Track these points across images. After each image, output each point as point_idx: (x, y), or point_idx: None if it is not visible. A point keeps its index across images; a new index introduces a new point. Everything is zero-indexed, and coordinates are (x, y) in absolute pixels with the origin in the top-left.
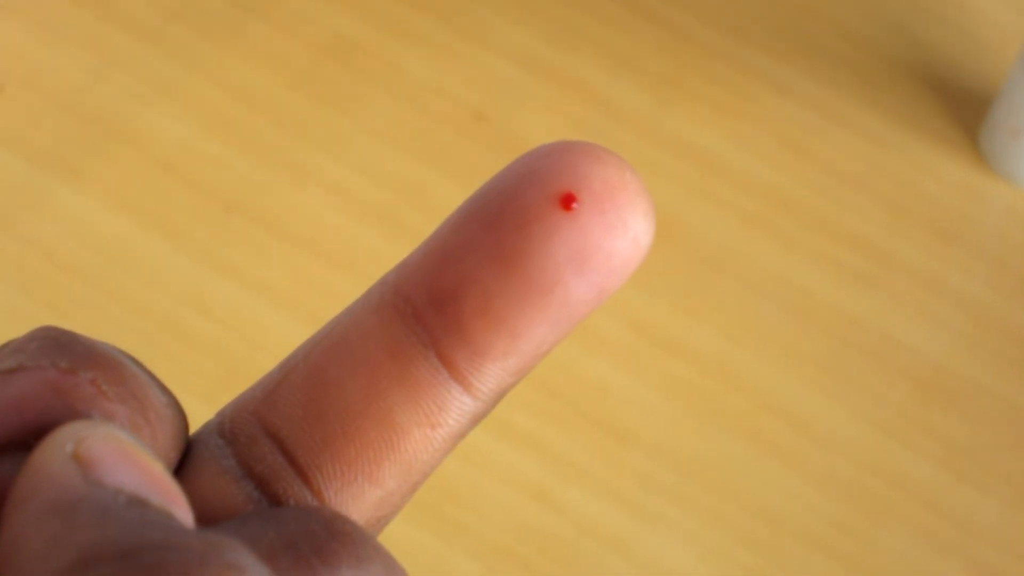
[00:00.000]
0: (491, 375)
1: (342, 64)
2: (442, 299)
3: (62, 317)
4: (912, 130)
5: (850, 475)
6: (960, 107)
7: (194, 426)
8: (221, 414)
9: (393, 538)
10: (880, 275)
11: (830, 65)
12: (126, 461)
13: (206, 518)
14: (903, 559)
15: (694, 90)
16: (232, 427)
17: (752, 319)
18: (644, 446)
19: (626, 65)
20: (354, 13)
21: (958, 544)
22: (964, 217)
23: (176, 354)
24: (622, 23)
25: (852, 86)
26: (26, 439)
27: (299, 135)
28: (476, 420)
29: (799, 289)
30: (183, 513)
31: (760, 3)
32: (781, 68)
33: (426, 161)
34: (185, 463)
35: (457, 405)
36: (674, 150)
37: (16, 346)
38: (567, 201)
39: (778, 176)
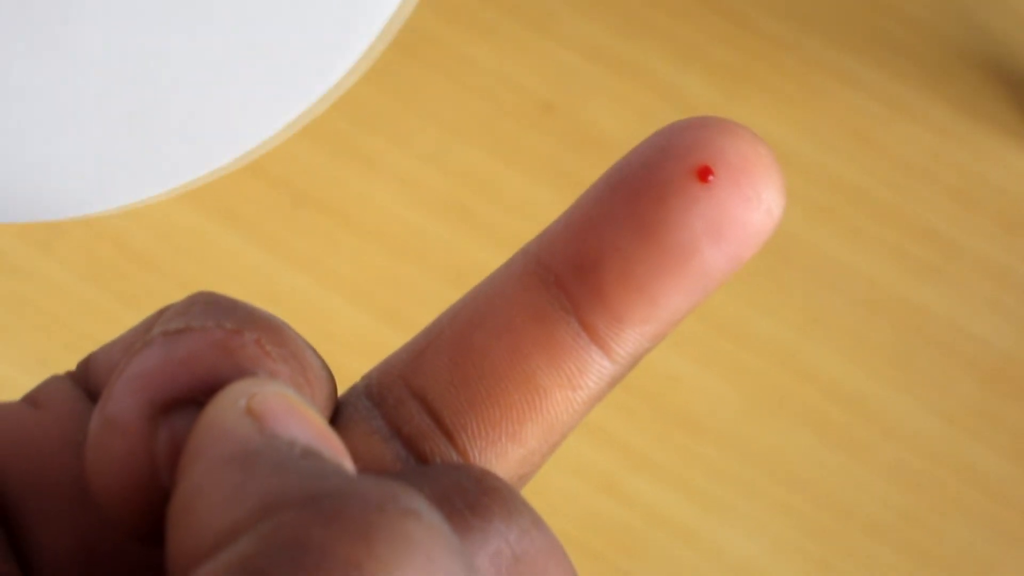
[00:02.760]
0: (629, 340)
1: (410, 55)
2: (584, 267)
3: (133, 308)
4: (978, 120)
5: (918, 466)
6: None
7: None
8: (368, 377)
9: None
10: (947, 266)
11: (896, 55)
12: (296, 416)
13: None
14: (971, 550)
15: (761, 81)
16: (379, 390)
17: (819, 310)
18: (713, 437)
19: (693, 56)
20: (423, 4)
21: None
22: None
23: None
24: (689, 14)
25: (918, 76)
26: (196, 396)
27: (367, 126)
28: (614, 383)
29: (866, 280)
30: (349, 466)
31: None
32: (847, 59)
33: (493, 152)
34: (335, 424)
35: (597, 368)
36: None
37: (178, 309)
38: (704, 174)
39: (844, 166)
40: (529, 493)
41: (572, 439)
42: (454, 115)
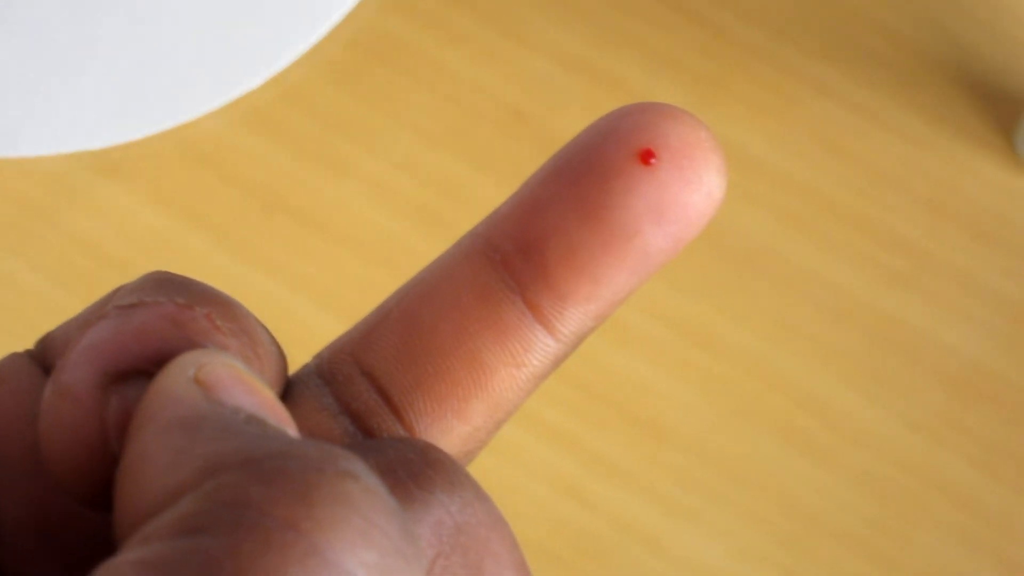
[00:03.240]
0: (573, 319)
1: (383, 61)
2: (529, 247)
3: None
4: (950, 130)
5: (885, 474)
6: (998, 108)
7: None
8: (319, 356)
9: None
10: (917, 274)
11: (869, 65)
12: (242, 386)
13: None
14: (937, 558)
15: (734, 90)
16: (330, 367)
17: (789, 318)
18: (679, 443)
19: (666, 64)
20: (396, 10)
21: (992, 544)
22: (1001, 217)
23: None
24: (663, 22)
25: (891, 86)
26: (147, 367)
27: (340, 132)
28: (557, 362)
29: (836, 288)
30: (293, 433)
31: (800, 3)
32: (821, 68)
33: (465, 159)
34: (286, 400)
35: (541, 347)
36: None
37: (132, 287)
38: (646, 156)
39: (816, 176)
40: (494, 497)
41: (537, 445)
42: (427, 122)
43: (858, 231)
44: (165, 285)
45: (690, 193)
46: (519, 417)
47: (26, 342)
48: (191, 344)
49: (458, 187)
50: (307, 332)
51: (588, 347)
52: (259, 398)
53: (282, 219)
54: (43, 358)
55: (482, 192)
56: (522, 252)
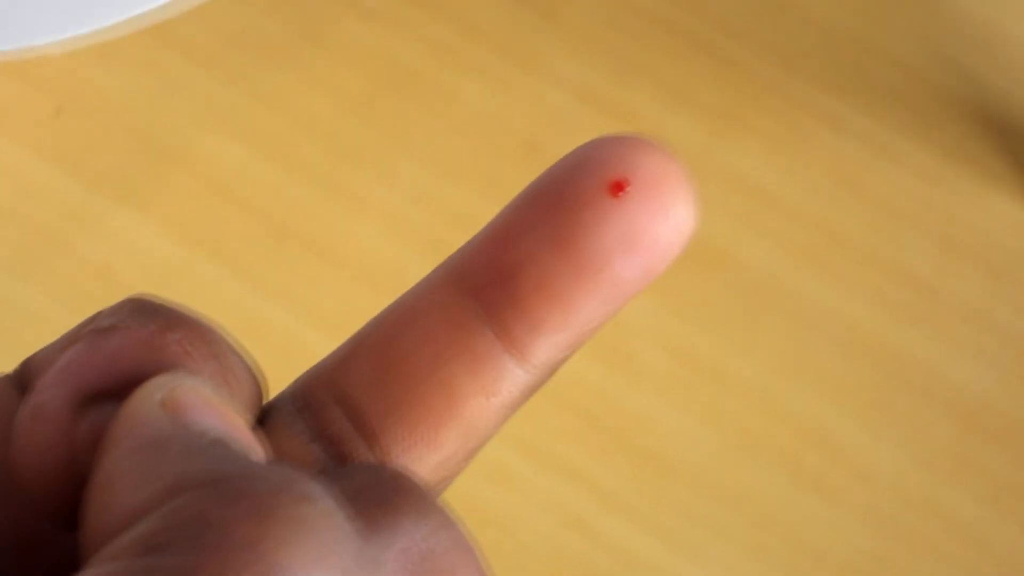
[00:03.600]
0: (544, 348)
1: (399, 93)
2: (502, 276)
3: None
4: (964, 166)
5: (892, 510)
6: (1013, 144)
7: None
8: (295, 383)
9: None
10: (928, 310)
11: (883, 100)
12: (210, 410)
13: None
14: None
15: (747, 123)
16: (305, 394)
17: (798, 353)
18: (685, 477)
19: (679, 97)
20: (411, 41)
21: None
22: (1015, 254)
23: None
24: (676, 55)
25: (905, 121)
26: (120, 390)
27: (354, 163)
28: (529, 392)
29: (846, 323)
30: (260, 458)
31: (814, 37)
32: (834, 102)
33: (478, 191)
34: (260, 426)
35: (512, 376)
36: (725, 182)
37: (109, 311)
38: (617, 188)
39: (828, 210)
40: (498, 530)
41: (542, 477)
42: (440, 153)
43: (869, 266)
44: (142, 310)
45: (659, 224)
46: (524, 448)
47: None
48: (164, 368)
49: (471, 219)
50: (315, 360)
51: (594, 378)
52: (226, 422)
53: (294, 248)
54: (22, 381)
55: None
56: (495, 281)
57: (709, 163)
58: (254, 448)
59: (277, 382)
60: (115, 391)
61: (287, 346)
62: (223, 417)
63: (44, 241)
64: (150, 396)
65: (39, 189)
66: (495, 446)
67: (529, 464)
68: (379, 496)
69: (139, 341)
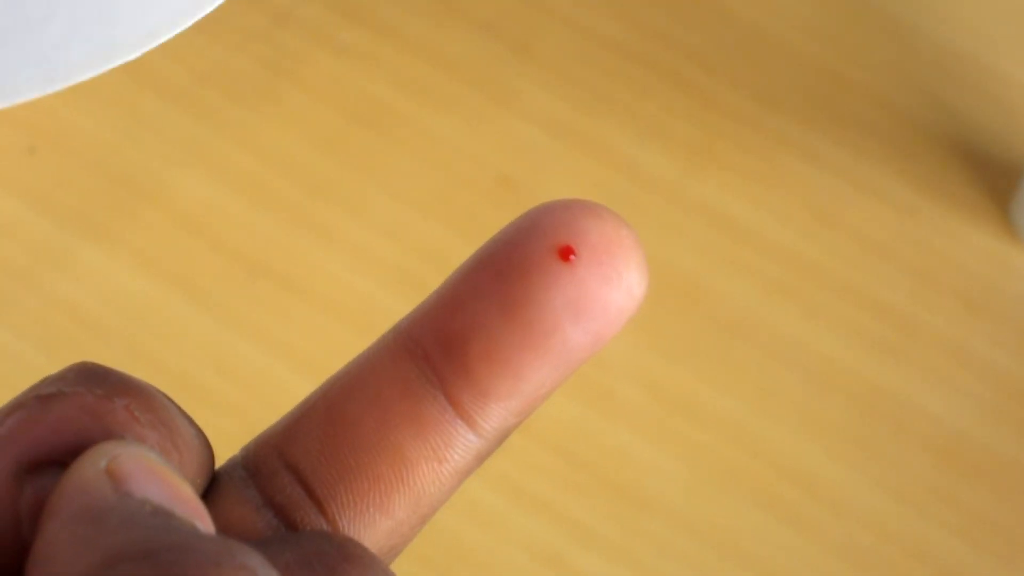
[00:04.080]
0: (495, 415)
1: (369, 127)
2: (450, 342)
3: None
4: (942, 199)
5: (869, 544)
6: (991, 177)
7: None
8: (245, 449)
9: None
10: (905, 344)
11: (860, 133)
12: (154, 478)
13: None
14: None
15: (721, 157)
16: (255, 460)
17: (774, 387)
18: (660, 512)
19: (653, 131)
20: (383, 77)
21: None
22: (992, 287)
23: (197, 415)
24: (650, 89)
25: (882, 154)
26: (63, 458)
27: (325, 197)
28: (481, 458)
29: (822, 357)
30: (206, 527)
31: (790, 70)
32: (810, 136)
33: (450, 225)
34: (210, 492)
35: (462, 442)
36: (700, 216)
37: (55, 377)
38: (565, 253)
39: (804, 244)
40: (474, 567)
41: (518, 514)
42: (412, 188)
43: (845, 300)
44: (87, 376)
45: (609, 290)
46: (499, 483)
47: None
48: (108, 435)
49: (442, 253)
50: (287, 397)
51: (570, 414)
52: (170, 490)
53: (266, 285)
54: None
55: (466, 258)
56: (443, 347)
57: (684, 197)
58: (200, 516)
59: (248, 416)
60: (59, 458)
61: (258, 381)
62: (168, 485)
63: (14, 278)
64: (93, 463)
65: (10, 226)
66: (471, 483)
67: (505, 500)
68: (327, 563)
69: (83, 407)
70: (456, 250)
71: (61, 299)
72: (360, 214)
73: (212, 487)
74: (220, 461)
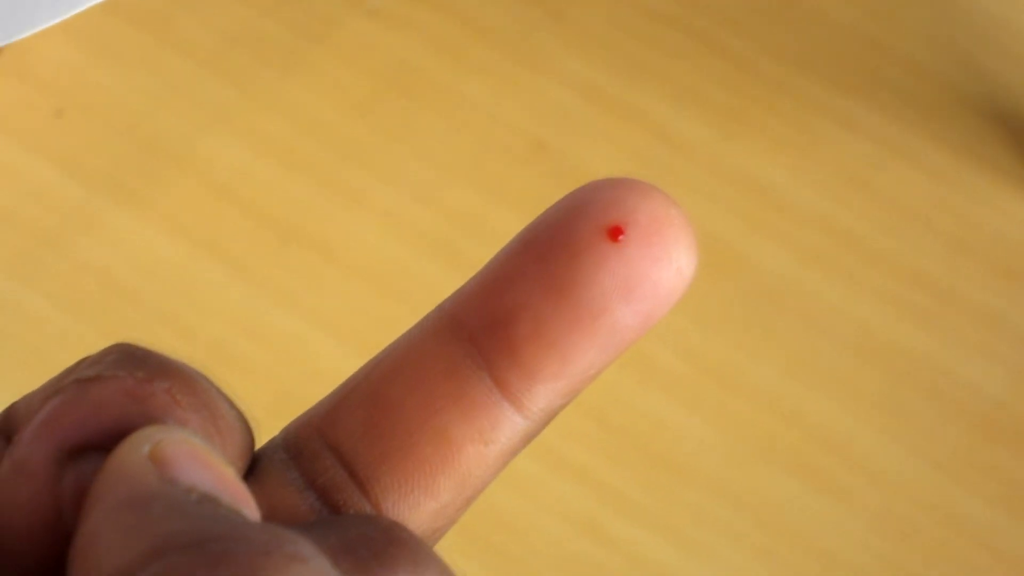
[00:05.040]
0: (541, 396)
1: (402, 92)
2: (496, 324)
3: (114, 341)
4: (977, 166)
5: (905, 513)
6: None
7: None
8: (286, 430)
9: None
10: (940, 311)
11: (895, 99)
12: (199, 463)
13: None
14: None
15: (757, 123)
16: (296, 442)
17: (810, 355)
18: (697, 481)
19: (689, 97)
20: (415, 41)
21: None
22: None
23: (228, 381)
24: (686, 55)
25: (917, 121)
26: (104, 442)
27: (357, 163)
28: (527, 439)
29: (858, 325)
30: (251, 513)
31: (825, 37)
32: (845, 102)
33: (484, 190)
34: (251, 475)
35: (509, 424)
36: (735, 183)
37: (93, 359)
38: (615, 233)
39: (840, 211)
40: (510, 534)
41: (554, 481)
42: (445, 153)
43: (880, 267)
44: (126, 358)
45: (659, 270)
46: (536, 451)
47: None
48: (149, 419)
49: (476, 219)
50: (320, 362)
51: (606, 383)
52: (216, 475)
53: (297, 250)
54: (6, 428)
55: (500, 224)
56: (489, 328)
57: (718, 163)
58: (246, 502)
59: (280, 382)
60: (99, 444)
61: (290, 346)
62: (213, 471)
63: (45, 243)
64: (136, 449)
65: (40, 191)
66: None
67: (540, 467)
68: (373, 548)
69: (124, 391)
70: (489, 215)
71: (91, 264)
72: (392, 179)
73: (253, 469)
74: (257, 434)
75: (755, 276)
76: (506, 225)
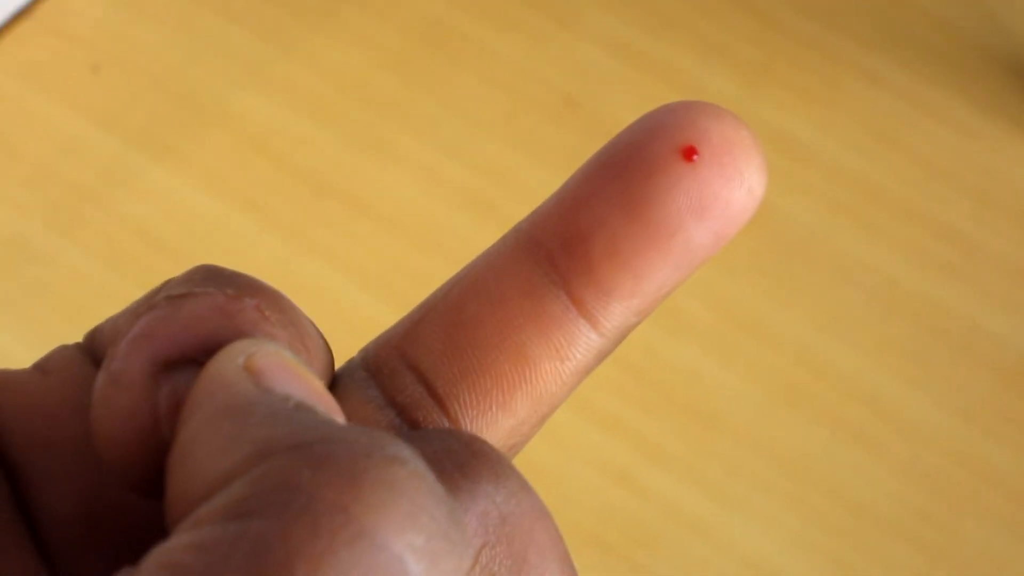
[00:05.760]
0: (616, 313)
1: (434, 47)
2: (572, 242)
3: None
4: (1001, 120)
5: (933, 464)
6: None
7: None
8: (364, 351)
9: None
10: (967, 265)
11: (920, 55)
12: (291, 374)
13: None
14: (985, 548)
15: (784, 78)
16: (375, 361)
17: (839, 307)
18: (729, 431)
19: (717, 52)
20: None
21: None
22: None
23: None
24: (713, 10)
25: (942, 76)
26: (197, 355)
27: (391, 117)
28: (601, 356)
29: (886, 278)
30: (342, 421)
31: None
32: (871, 57)
33: (516, 145)
34: (333, 392)
35: (585, 340)
36: (763, 138)
37: (181, 279)
38: (688, 153)
39: (866, 165)
40: (543, 483)
41: (588, 431)
42: (477, 108)
43: (908, 221)
44: (214, 276)
45: (731, 189)
46: (570, 402)
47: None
48: (240, 334)
49: (507, 173)
50: (355, 315)
51: (639, 334)
52: (307, 386)
53: (332, 204)
54: (91, 350)
55: (531, 178)
56: (566, 248)
57: (746, 118)
58: (336, 412)
59: None
60: (193, 357)
61: (325, 299)
62: (305, 381)
63: (82, 198)
64: (231, 360)
65: (77, 146)
66: None
67: (575, 417)
68: (456, 460)
69: (215, 307)
70: (521, 170)
71: (128, 217)
72: (425, 134)
73: (334, 387)
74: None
75: (784, 229)
76: (537, 179)
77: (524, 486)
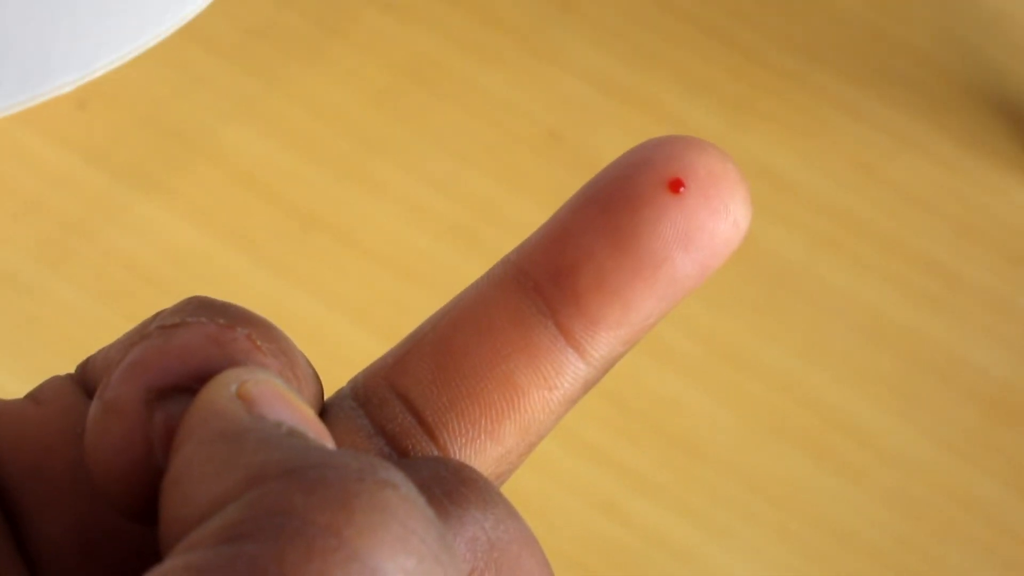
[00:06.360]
0: (604, 343)
1: (419, 82)
2: (560, 273)
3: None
4: (983, 153)
5: (917, 493)
6: None
7: None
8: (353, 381)
9: None
10: (949, 296)
11: (902, 88)
12: (283, 402)
13: None
14: None
15: (767, 112)
16: (364, 391)
17: (822, 338)
18: (713, 461)
19: (699, 86)
20: (432, 32)
21: (1023, 563)
22: None
23: None
24: (696, 45)
25: (923, 109)
26: (190, 385)
27: (377, 152)
28: (588, 385)
29: (868, 309)
30: (333, 447)
31: (833, 26)
32: (853, 91)
33: (501, 179)
34: (323, 420)
35: (572, 369)
36: (747, 171)
37: (173, 310)
38: (675, 186)
39: (848, 197)
40: (529, 512)
41: (572, 460)
42: (462, 142)
43: (890, 252)
44: (206, 307)
45: (717, 221)
46: (555, 432)
47: (66, 356)
48: (232, 362)
49: (493, 207)
50: (343, 349)
51: (624, 365)
52: (299, 413)
53: (319, 238)
54: (84, 381)
55: (517, 212)
56: (554, 278)
57: (730, 151)
58: (327, 439)
59: None
60: (186, 385)
61: (314, 333)
62: (296, 408)
63: (70, 232)
64: (224, 388)
65: (65, 180)
66: None
67: (560, 447)
68: (445, 487)
69: (207, 336)
70: (506, 203)
71: (116, 251)
72: (411, 168)
73: (324, 416)
74: None
75: (768, 262)
76: (522, 212)
77: (512, 513)
